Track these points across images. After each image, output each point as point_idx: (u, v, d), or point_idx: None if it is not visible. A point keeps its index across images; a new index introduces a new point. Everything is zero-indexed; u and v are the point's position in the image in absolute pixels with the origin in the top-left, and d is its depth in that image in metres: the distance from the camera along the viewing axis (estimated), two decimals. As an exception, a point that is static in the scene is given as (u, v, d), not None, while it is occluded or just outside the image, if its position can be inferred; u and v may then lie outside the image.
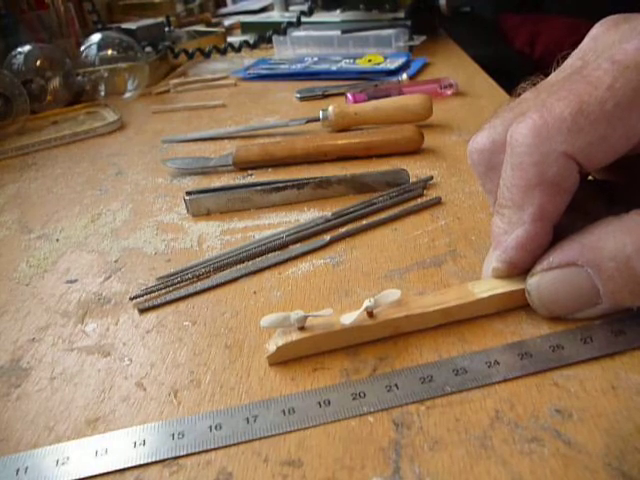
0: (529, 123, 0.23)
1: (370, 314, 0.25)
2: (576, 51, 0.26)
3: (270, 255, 0.34)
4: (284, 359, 0.25)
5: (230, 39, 0.95)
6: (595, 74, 0.22)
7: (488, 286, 0.26)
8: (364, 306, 0.25)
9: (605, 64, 0.22)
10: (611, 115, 0.22)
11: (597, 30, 0.26)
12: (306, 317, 0.25)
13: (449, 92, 0.60)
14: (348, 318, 0.25)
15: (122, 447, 0.22)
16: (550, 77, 0.27)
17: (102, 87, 0.69)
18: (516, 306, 0.26)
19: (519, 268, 0.25)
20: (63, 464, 0.21)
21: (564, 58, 0.27)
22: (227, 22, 1.11)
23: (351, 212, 0.37)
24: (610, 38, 0.24)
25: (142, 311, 0.30)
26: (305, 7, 0.86)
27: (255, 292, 0.31)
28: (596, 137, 0.22)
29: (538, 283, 0.25)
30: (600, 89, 0.22)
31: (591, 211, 0.24)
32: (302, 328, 0.25)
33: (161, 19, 0.90)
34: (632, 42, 0.22)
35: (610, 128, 0.22)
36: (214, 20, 1.14)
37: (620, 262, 0.22)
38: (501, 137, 0.25)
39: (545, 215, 0.24)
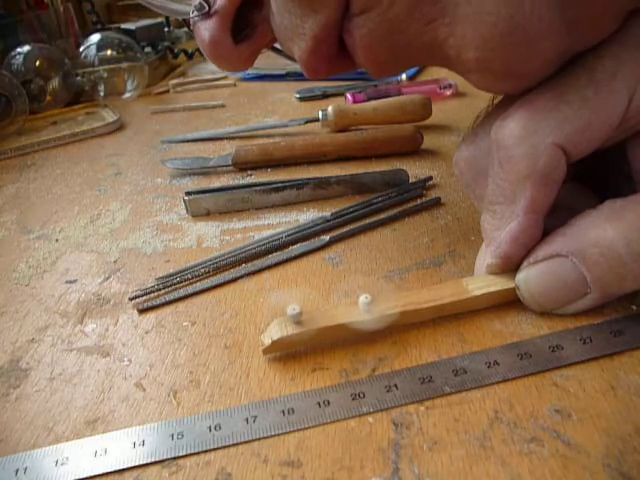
0: (516, 117, 0.23)
1: (366, 310, 0.25)
2: None
3: (270, 255, 0.34)
4: (279, 351, 0.25)
5: (229, 39, 0.95)
6: (571, 66, 0.23)
7: (482, 283, 0.26)
8: (359, 301, 0.25)
9: (579, 57, 0.23)
10: (592, 101, 0.22)
11: None
12: (301, 312, 0.25)
13: (448, 92, 0.60)
14: (339, 307, 0.25)
15: (121, 447, 0.22)
16: None
17: (101, 87, 0.69)
18: (510, 301, 0.26)
19: (514, 262, 0.26)
20: (62, 464, 0.21)
21: None
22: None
23: (350, 212, 0.37)
24: None
25: (141, 311, 0.30)
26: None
27: (255, 292, 0.31)
28: (581, 124, 0.23)
29: (526, 277, 0.25)
30: (580, 78, 0.23)
31: (577, 209, 0.25)
32: (298, 322, 0.25)
33: (160, 19, 0.90)
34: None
35: (593, 114, 0.22)
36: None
37: (603, 247, 0.23)
38: (484, 142, 0.26)
39: (537, 207, 0.24)
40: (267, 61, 0.72)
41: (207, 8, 0.26)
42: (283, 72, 0.73)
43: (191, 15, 0.26)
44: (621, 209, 0.23)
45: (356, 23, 0.23)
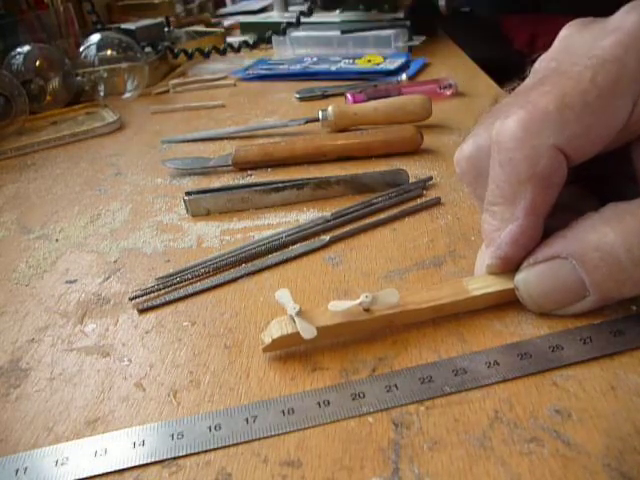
0: (516, 118, 0.23)
1: (366, 309, 0.25)
2: (547, 54, 0.27)
3: (270, 255, 0.34)
4: (279, 350, 0.25)
5: (229, 39, 0.95)
6: (575, 69, 0.23)
7: (482, 283, 0.26)
8: (359, 300, 0.25)
9: (584, 60, 0.23)
10: (594, 106, 0.22)
11: (566, 32, 0.27)
12: (300, 311, 0.25)
13: (448, 92, 0.60)
14: (339, 305, 0.25)
15: (121, 447, 0.22)
16: (526, 81, 0.27)
17: (101, 87, 0.69)
18: (509, 301, 0.26)
19: (513, 263, 0.26)
20: (62, 464, 0.21)
21: (534, 61, 0.28)
22: (226, 22, 1.11)
23: (350, 212, 0.37)
24: (581, 38, 0.25)
25: (141, 311, 0.30)
26: (304, 7, 0.86)
27: (255, 292, 0.31)
28: (582, 128, 0.23)
29: (525, 278, 0.25)
30: (582, 82, 0.23)
31: (579, 211, 0.25)
32: None
33: (160, 19, 0.90)
34: (608, 39, 0.23)
35: (594, 118, 0.22)
36: (213, 20, 1.13)
37: (604, 251, 0.23)
38: (486, 142, 0.26)
39: (537, 209, 0.24)
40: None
41: None
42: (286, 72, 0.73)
43: None
44: (623, 213, 0.23)
45: None
